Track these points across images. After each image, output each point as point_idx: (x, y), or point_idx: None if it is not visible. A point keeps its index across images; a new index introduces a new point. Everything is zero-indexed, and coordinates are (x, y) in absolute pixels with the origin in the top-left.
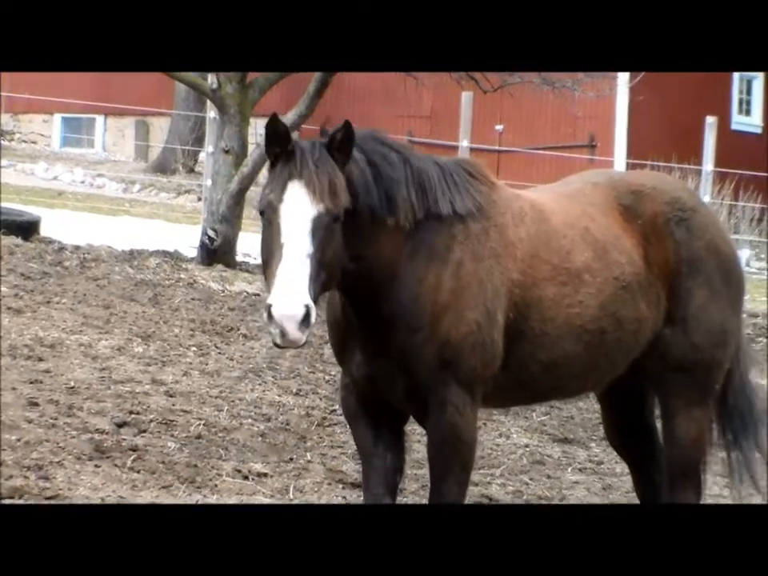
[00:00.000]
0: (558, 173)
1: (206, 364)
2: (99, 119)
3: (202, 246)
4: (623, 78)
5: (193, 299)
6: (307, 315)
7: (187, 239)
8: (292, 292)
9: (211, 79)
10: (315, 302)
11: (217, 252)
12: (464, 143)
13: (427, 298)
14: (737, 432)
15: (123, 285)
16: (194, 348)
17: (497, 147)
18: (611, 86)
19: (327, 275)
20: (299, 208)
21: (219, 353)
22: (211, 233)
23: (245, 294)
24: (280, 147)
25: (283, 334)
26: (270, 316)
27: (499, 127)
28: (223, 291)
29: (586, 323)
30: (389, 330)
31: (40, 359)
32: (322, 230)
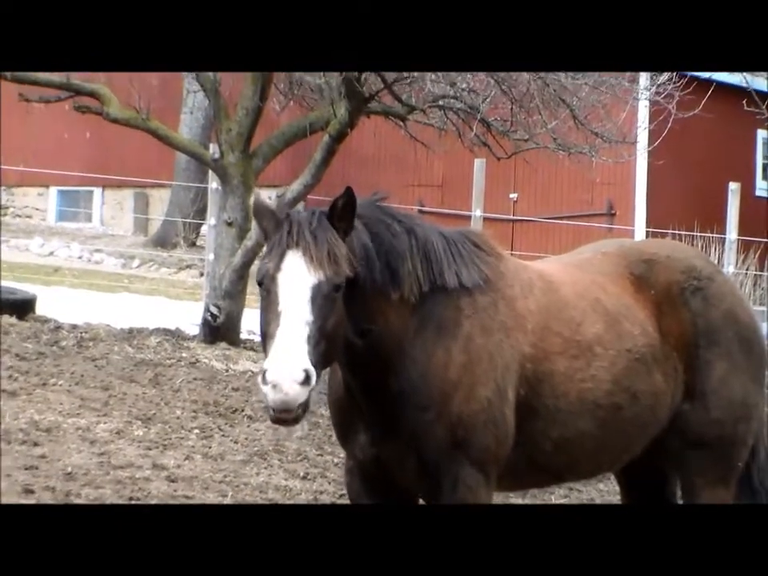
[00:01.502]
0: (575, 242)
1: (209, 447)
2: (97, 192)
3: (205, 323)
4: (642, 143)
5: (195, 379)
6: (307, 378)
7: (189, 316)
8: (289, 356)
9: (213, 148)
10: (316, 369)
11: (220, 329)
12: (477, 213)
13: (437, 374)
14: None
15: (122, 365)
16: (196, 430)
17: (511, 216)
18: (629, 151)
19: (328, 346)
20: (298, 276)
21: (223, 435)
22: (214, 309)
23: (249, 373)
24: (269, 222)
25: (279, 390)
26: (264, 380)
27: (513, 195)
28: (227, 370)
29: (599, 398)
30: (397, 409)
31: (35, 444)
32: (321, 299)
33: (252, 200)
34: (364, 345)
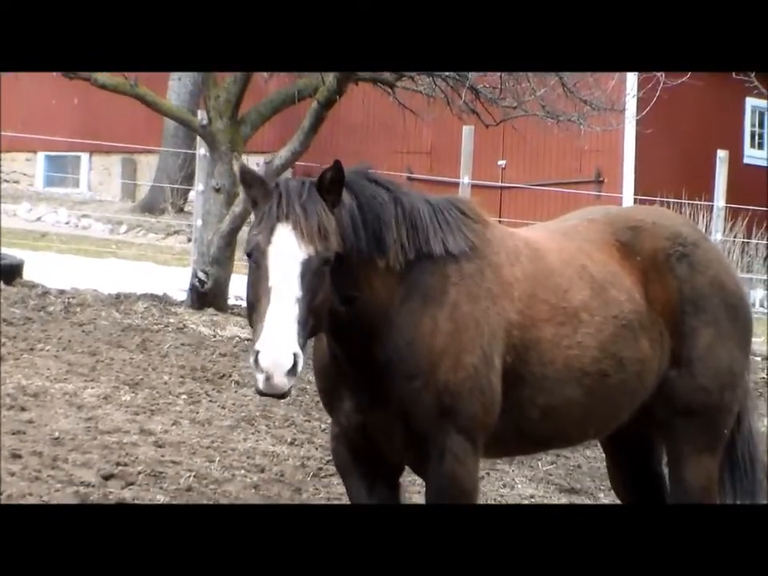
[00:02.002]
0: (563, 209)
1: (197, 413)
2: (84, 157)
3: (192, 288)
4: (631, 111)
5: (182, 345)
6: (294, 365)
7: (177, 282)
8: (280, 339)
9: (201, 115)
10: (303, 348)
11: (207, 295)
12: (465, 180)
13: (423, 342)
14: (738, 483)
15: (110, 330)
16: (183, 396)
17: (499, 183)
18: (618, 120)
19: (316, 320)
20: (288, 251)
21: (210, 401)
22: (202, 275)
23: (237, 338)
24: (257, 190)
25: (268, 379)
26: (256, 362)
27: (502, 163)
28: (214, 336)
29: (586, 366)
30: (384, 377)
31: (23, 409)
32: (311, 274)
33: (237, 167)
34: (349, 313)
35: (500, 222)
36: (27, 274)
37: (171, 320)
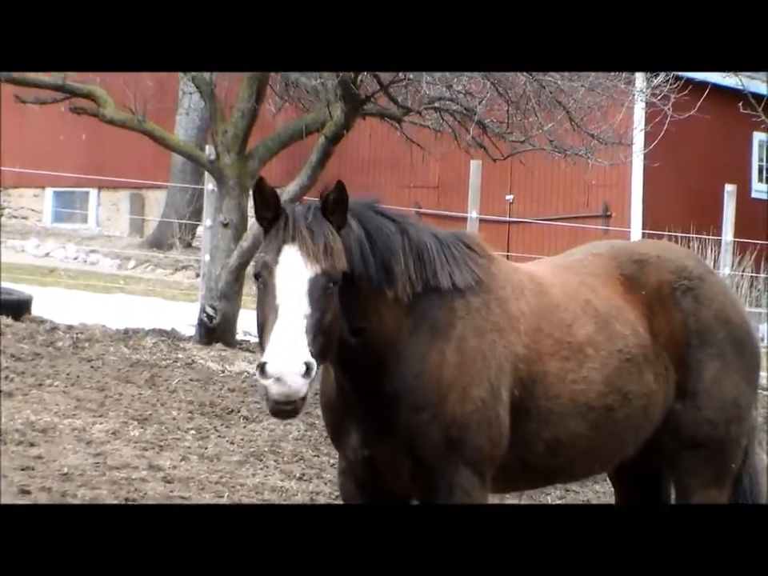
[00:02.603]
0: (571, 244)
1: (206, 448)
2: (92, 192)
3: (201, 324)
4: (638, 145)
5: (191, 380)
6: (307, 370)
7: (185, 317)
8: (289, 348)
9: (209, 150)
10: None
11: (216, 330)
12: (473, 214)
13: (431, 375)
14: None
15: (118, 366)
16: (192, 431)
17: (507, 218)
18: (626, 153)
19: (325, 341)
20: (295, 269)
21: (219, 436)
22: (210, 310)
23: (245, 374)
24: (270, 212)
25: (282, 384)
26: (263, 373)
27: (509, 197)
28: (223, 371)
29: (591, 400)
30: (391, 409)
31: (32, 444)
32: (319, 292)
33: (255, 183)
34: (358, 343)
35: (508, 256)
36: (36, 310)
37: (180, 355)
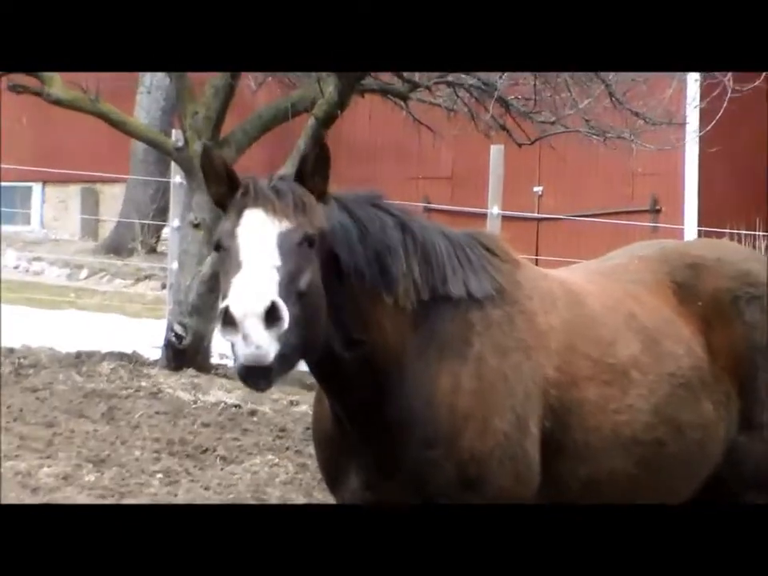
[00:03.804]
0: (612, 245)
1: (175, 495)
2: (36, 188)
3: (168, 345)
4: (693, 125)
5: (157, 413)
6: (274, 310)
7: (149, 337)
8: (254, 286)
9: (175, 135)
10: (292, 348)
11: (186, 352)
12: (494, 210)
13: (444, 402)
14: None
15: (69, 397)
16: (159, 475)
17: (535, 214)
18: (677, 136)
19: (306, 317)
20: (261, 227)
21: (191, 480)
22: (179, 328)
23: (222, 404)
24: (224, 185)
25: (245, 338)
26: (227, 319)
27: (538, 189)
28: (195, 402)
29: (637, 432)
30: (396, 444)
31: None
32: (291, 246)
33: (200, 149)
34: (354, 360)
35: (536, 260)
36: None
37: (143, 383)
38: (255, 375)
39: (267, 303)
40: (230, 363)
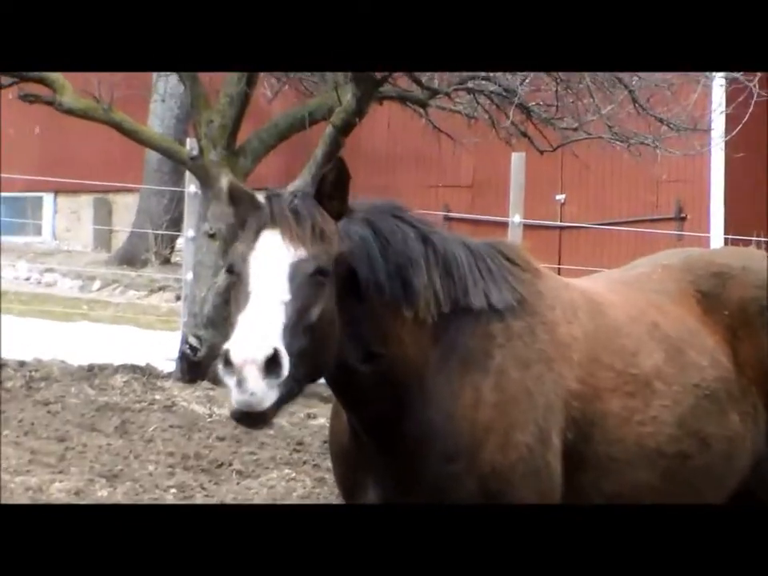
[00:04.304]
0: (636, 253)
1: None
2: (48, 198)
3: (182, 357)
4: (718, 131)
5: (171, 427)
6: (275, 361)
7: (163, 349)
8: (257, 331)
9: (190, 144)
10: (297, 380)
11: (201, 365)
12: (515, 218)
13: (465, 416)
14: None
15: (81, 410)
16: (173, 490)
17: (558, 223)
18: (703, 142)
19: (315, 344)
20: (273, 253)
21: (206, 495)
22: (193, 341)
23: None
24: (247, 208)
25: (240, 383)
26: (227, 363)
27: (560, 197)
28: (210, 416)
29: (661, 445)
30: (416, 459)
31: None
32: (303, 279)
33: (225, 182)
34: (372, 374)
35: (559, 270)
36: None
37: (157, 396)
38: (249, 419)
39: (268, 352)
40: None
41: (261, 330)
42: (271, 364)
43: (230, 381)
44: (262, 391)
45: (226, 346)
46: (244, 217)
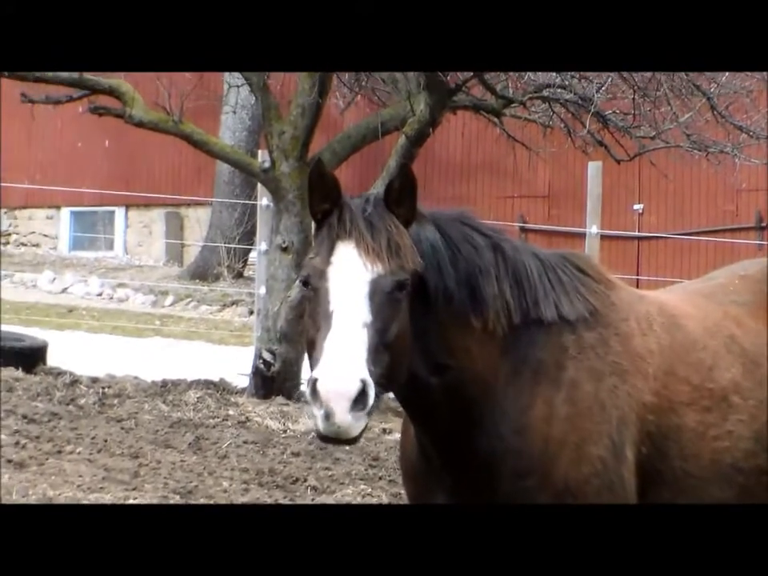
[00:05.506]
0: (716, 263)
1: None
2: (119, 212)
3: (256, 372)
4: None
5: (245, 442)
6: (363, 393)
7: (236, 365)
8: (345, 362)
9: (262, 156)
10: (376, 386)
11: (275, 380)
12: (593, 229)
13: (537, 430)
14: None
15: (155, 427)
16: None
17: (636, 233)
18: None
19: (390, 363)
20: (352, 269)
21: None
22: (267, 355)
23: (313, 433)
24: (329, 202)
25: (328, 416)
26: (314, 392)
27: (638, 207)
28: (285, 431)
29: (738, 461)
30: (487, 474)
31: None
32: (382, 297)
33: (313, 166)
34: (440, 386)
35: (638, 281)
36: (52, 359)
37: (230, 412)
38: (336, 443)
39: (358, 386)
40: None
41: (348, 359)
42: (359, 396)
43: (318, 411)
44: (350, 424)
45: (314, 374)
46: (319, 209)
